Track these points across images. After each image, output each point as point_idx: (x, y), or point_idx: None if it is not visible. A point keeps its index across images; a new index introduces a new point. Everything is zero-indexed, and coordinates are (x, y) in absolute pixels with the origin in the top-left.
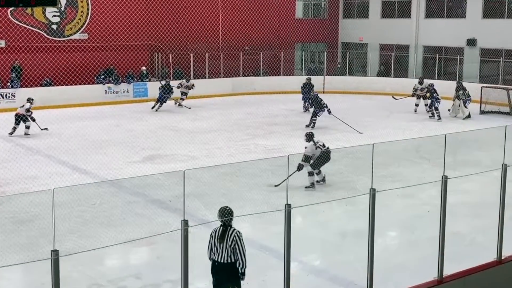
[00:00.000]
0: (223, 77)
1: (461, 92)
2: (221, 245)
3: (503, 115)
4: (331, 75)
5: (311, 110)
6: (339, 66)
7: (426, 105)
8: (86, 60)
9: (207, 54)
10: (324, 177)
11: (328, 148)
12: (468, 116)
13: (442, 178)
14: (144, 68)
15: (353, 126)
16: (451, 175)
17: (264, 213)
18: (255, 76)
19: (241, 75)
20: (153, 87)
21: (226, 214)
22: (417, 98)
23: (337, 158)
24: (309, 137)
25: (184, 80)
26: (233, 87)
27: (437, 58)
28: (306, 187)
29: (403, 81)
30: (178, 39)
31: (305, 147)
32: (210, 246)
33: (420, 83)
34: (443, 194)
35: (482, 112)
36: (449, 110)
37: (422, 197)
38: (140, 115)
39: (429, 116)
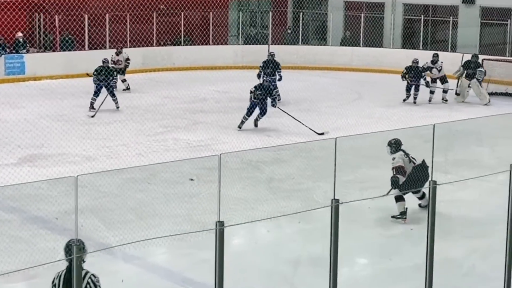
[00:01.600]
0: (130, 47)
1: (480, 70)
2: None
3: (511, 97)
4: (278, 44)
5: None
6: (289, 31)
7: (444, 91)
8: None
9: (107, 15)
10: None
11: (424, 162)
12: (489, 102)
13: (430, 184)
14: (20, 34)
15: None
16: (442, 180)
17: (188, 234)
18: (174, 45)
19: (154, 45)
20: (33, 61)
21: (71, 252)
22: (430, 82)
23: (287, 157)
24: (396, 146)
25: (114, 54)
26: (143, 60)
27: (422, 20)
28: (393, 217)
29: (376, 51)
30: None
31: (393, 158)
32: None
33: (434, 62)
34: (431, 206)
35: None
36: (457, 94)
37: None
38: (14, 100)
39: (444, 101)
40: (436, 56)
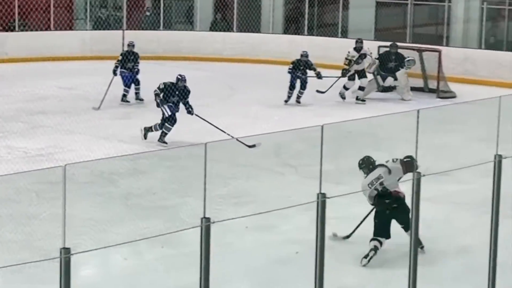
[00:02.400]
0: None
1: (410, 59)
2: None
3: (414, 92)
4: (135, 30)
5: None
6: (148, 14)
7: (360, 88)
8: None
9: None
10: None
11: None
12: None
13: (318, 198)
14: None
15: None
16: (332, 192)
17: (25, 265)
18: (6, 31)
19: None
20: None
21: None
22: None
23: (148, 168)
24: (367, 165)
25: None
26: None
27: (307, 1)
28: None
29: (253, 38)
30: None
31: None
32: None
33: (357, 49)
34: (319, 229)
35: (382, 89)
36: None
37: (286, 229)
38: None
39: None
40: (360, 42)
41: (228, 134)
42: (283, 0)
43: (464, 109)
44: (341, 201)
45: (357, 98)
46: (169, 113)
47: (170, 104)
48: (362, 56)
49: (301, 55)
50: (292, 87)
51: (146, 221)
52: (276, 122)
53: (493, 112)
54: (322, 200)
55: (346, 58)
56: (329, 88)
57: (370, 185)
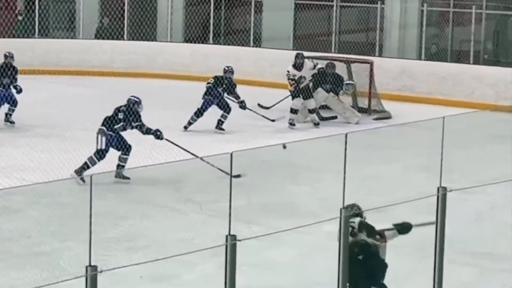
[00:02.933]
0: None
1: (349, 82)
2: None
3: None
4: (4, 37)
5: None
6: (20, 18)
7: (293, 110)
8: None
9: None
10: None
11: None
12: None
13: (227, 241)
14: None
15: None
16: (244, 234)
17: None
18: None
19: None
20: None
21: None
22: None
23: (20, 206)
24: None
25: None
26: None
27: (212, 2)
28: None
29: (148, 47)
30: None
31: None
32: None
33: (298, 66)
34: (228, 277)
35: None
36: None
37: (188, 279)
38: None
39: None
40: (300, 57)
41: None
42: (183, 2)
43: (401, 132)
44: (254, 244)
45: (289, 123)
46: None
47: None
48: (301, 80)
49: (225, 71)
50: (199, 113)
51: (18, 271)
52: (177, 149)
53: (435, 136)
54: (231, 244)
55: (289, 79)
56: (276, 104)
57: None
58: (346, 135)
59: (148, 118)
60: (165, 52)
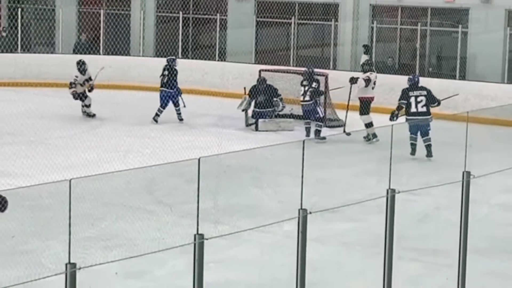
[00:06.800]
0: None
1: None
2: None
3: (299, 120)
4: None
5: None
6: (4, 34)
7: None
8: None
9: None
10: None
11: None
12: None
13: (195, 239)
14: None
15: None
16: (211, 233)
17: None
18: None
19: None
20: None
21: None
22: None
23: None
24: None
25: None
26: None
27: (181, 18)
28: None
29: (122, 61)
30: None
31: None
32: None
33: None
34: (197, 274)
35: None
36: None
37: (159, 275)
38: None
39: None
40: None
41: None
42: (154, 19)
43: (353, 139)
44: (220, 243)
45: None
46: None
47: None
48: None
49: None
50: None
51: (3, 268)
52: (149, 156)
53: (385, 143)
54: (199, 242)
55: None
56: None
57: None
58: (304, 142)
59: (122, 126)
60: (138, 65)
